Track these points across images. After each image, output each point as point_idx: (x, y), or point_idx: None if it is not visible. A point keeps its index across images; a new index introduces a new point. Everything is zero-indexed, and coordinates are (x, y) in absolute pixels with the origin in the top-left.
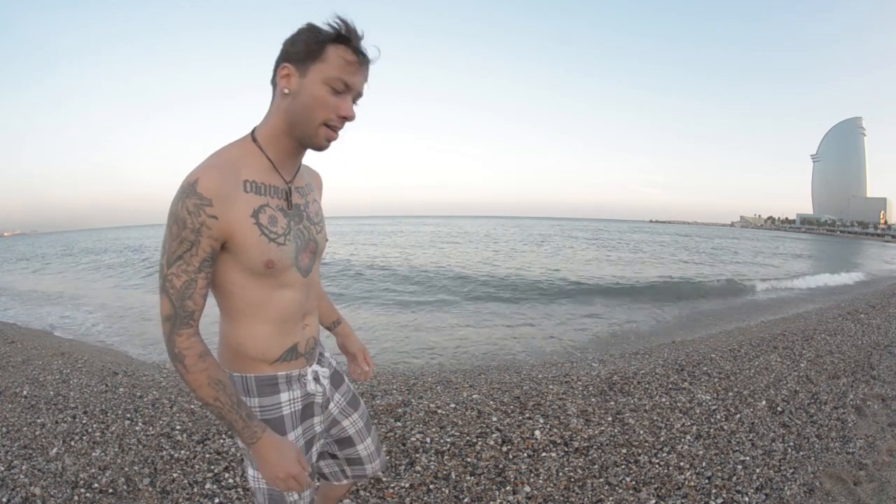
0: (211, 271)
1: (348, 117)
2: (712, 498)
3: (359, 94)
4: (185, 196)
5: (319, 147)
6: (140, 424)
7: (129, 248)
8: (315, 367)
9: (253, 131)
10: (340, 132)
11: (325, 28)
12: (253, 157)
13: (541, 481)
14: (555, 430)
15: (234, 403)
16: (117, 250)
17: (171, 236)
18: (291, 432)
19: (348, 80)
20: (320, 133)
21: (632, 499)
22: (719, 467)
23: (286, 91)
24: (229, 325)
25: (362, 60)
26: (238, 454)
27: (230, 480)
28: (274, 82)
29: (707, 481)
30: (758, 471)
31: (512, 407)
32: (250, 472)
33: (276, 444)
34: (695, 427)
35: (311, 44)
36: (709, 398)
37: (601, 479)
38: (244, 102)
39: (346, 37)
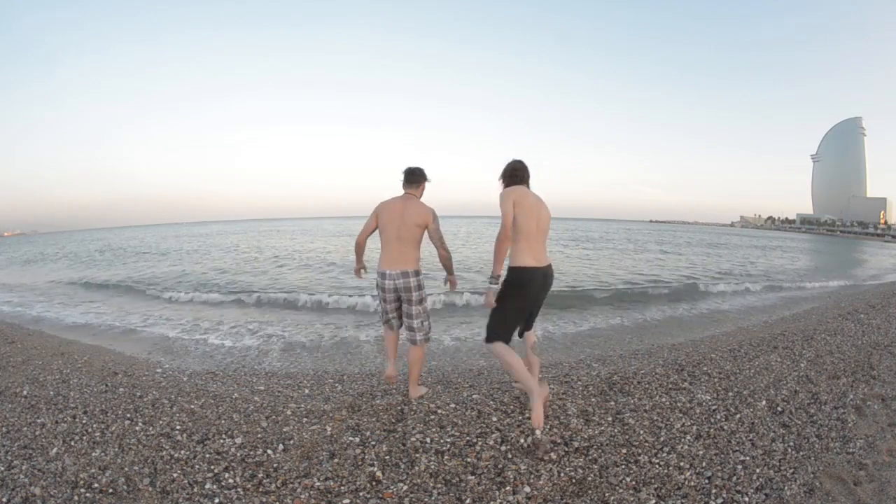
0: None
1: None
2: (712, 498)
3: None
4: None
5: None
6: (140, 424)
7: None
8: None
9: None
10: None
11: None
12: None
13: (541, 481)
14: (555, 430)
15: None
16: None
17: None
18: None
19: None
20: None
21: (632, 499)
22: (719, 467)
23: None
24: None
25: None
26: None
27: (230, 480)
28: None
29: (707, 481)
30: (758, 471)
31: (512, 407)
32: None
33: None
34: (695, 427)
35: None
36: (709, 398)
37: (601, 479)
38: (244, 101)
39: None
